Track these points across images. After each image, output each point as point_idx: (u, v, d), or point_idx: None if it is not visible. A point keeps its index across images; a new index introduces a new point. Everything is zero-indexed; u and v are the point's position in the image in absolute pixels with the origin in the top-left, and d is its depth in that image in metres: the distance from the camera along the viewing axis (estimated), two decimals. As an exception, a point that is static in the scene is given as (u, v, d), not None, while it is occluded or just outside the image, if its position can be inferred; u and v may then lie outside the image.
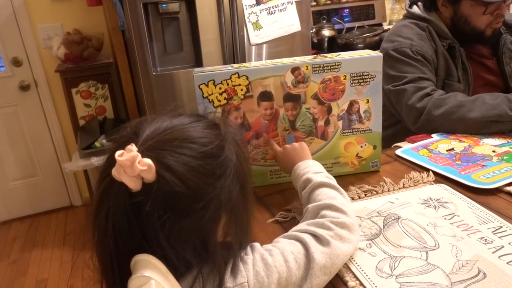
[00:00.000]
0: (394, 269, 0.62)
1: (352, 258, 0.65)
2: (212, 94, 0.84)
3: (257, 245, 0.56)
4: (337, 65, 0.85)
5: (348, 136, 0.91)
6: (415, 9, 1.32)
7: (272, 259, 0.53)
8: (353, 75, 0.86)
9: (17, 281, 1.96)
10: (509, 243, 0.66)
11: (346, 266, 0.63)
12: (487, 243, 0.67)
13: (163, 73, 1.69)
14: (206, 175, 0.49)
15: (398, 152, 1.04)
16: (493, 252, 0.64)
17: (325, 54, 0.88)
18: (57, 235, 2.31)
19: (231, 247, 0.53)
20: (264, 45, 1.79)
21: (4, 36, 2.19)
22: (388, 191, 0.86)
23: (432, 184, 0.87)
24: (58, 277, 1.96)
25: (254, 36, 1.73)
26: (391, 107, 1.26)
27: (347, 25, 2.63)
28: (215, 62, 1.73)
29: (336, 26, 2.58)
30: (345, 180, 0.90)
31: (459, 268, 0.61)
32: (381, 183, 0.89)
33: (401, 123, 1.27)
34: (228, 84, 0.83)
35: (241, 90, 0.84)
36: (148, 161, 0.46)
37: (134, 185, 0.46)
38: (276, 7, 1.74)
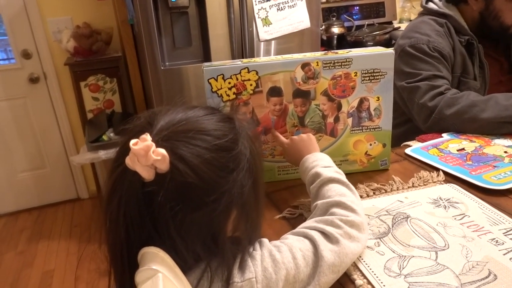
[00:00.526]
0: (403, 268, 0.62)
1: (360, 257, 0.64)
2: (221, 88, 0.83)
3: (265, 241, 0.56)
4: (348, 61, 0.84)
5: (358, 134, 0.90)
6: (431, 5, 1.30)
7: (281, 256, 0.53)
8: (364, 72, 0.85)
9: (24, 271, 1.99)
10: (521, 245, 0.65)
11: (354, 264, 0.63)
12: (498, 244, 0.66)
13: (172, 68, 1.69)
14: (219, 168, 0.49)
15: (407, 151, 1.03)
16: (504, 254, 0.63)
17: (336, 51, 0.87)
18: (63, 227, 2.33)
19: (240, 242, 0.53)
20: (273, 42, 1.78)
21: (15, 29, 2.21)
22: (397, 189, 0.85)
23: (442, 183, 0.86)
24: (64, 269, 1.98)
25: (263, 32, 1.72)
26: (403, 104, 1.25)
27: (357, 22, 2.60)
28: (224, 58, 1.72)
29: (346, 24, 2.55)
30: (354, 178, 0.89)
31: (469, 269, 0.60)
32: (390, 181, 0.88)
33: (411, 122, 1.25)
34: (237, 79, 0.83)
35: (251, 85, 0.84)
36: (162, 151, 0.46)
37: (147, 174, 0.46)
38: (285, 3, 1.72)
